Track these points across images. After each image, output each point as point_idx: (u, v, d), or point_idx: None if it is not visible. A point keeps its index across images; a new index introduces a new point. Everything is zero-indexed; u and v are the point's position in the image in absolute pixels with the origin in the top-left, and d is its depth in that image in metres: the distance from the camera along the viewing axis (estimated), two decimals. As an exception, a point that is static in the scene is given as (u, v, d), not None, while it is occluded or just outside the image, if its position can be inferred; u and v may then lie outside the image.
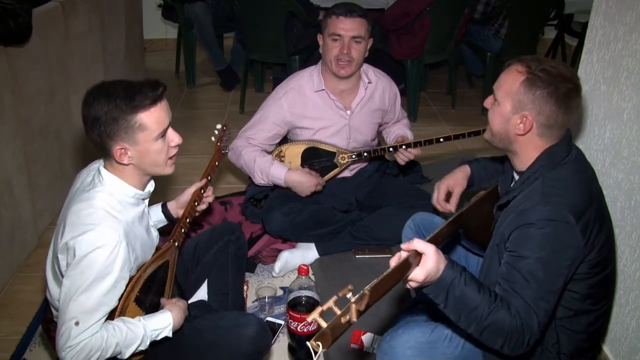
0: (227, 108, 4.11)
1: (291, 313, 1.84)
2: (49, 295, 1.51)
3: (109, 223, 1.34)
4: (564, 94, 1.30)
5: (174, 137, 1.44)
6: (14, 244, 2.29)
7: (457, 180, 1.85)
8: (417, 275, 1.14)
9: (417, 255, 1.15)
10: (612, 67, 1.81)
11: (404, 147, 2.29)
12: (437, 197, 1.85)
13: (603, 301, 1.43)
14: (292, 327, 1.85)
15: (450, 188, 1.84)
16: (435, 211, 1.93)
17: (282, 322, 2.03)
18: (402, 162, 2.35)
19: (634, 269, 1.72)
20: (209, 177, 1.78)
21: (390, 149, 2.32)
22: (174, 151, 1.46)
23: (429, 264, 1.15)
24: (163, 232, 1.74)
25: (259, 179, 2.31)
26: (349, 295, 1.00)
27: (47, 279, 1.49)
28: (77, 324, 1.29)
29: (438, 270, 1.17)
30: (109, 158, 1.40)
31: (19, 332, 2.01)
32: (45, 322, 1.58)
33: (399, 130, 2.50)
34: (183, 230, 1.64)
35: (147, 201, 1.56)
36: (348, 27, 2.15)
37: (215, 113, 3.99)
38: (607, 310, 1.46)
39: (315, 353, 0.94)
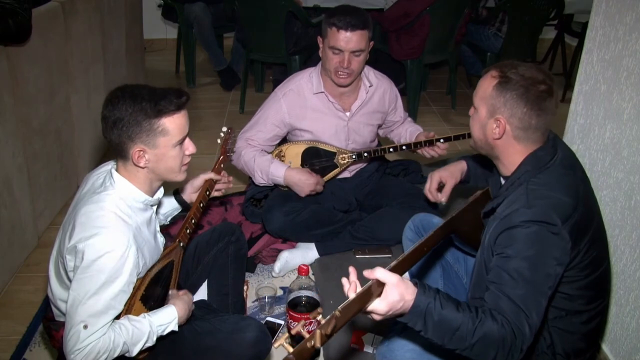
0: (227, 108, 4.11)
1: (291, 313, 1.84)
2: (50, 294, 1.52)
3: (118, 227, 1.35)
4: (535, 95, 1.31)
5: (189, 146, 1.47)
6: (14, 244, 2.29)
7: (451, 173, 1.85)
8: (379, 307, 1.10)
9: (380, 284, 1.10)
10: (612, 67, 1.81)
11: (404, 147, 2.29)
12: (430, 187, 1.86)
13: (597, 301, 1.42)
14: (292, 327, 1.85)
15: (443, 179, 1.85)
16: (427, 201, 1.93)
17: (282, 322, 2.03)
18: (429, 156, 2.33)
19: (634, 269, 1.72)
20: (214, 180, 1.79)
21: (391, 150, 2.32)
22: (187, 159, 1.49)
23: (392, 295, 1.10)
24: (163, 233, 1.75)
25: (259, 179, 2.31)
26: (319, 317, 1.01)
27: (50, 277, 1.49)
28: (85, 327, 1.30)
29: (403, 300, 1.12)
30: (125, 160, 1.41)
31: (19, 332, 2.01)
32: (46, 321, 1.58)
33: (412, 127, 2.50)
34: (188, 231, 1.65)
35: (155, 207, 1.56)
36: (348, 42, 2.11)
37: (215, 113, 3.99)
38: (602, 310, 1.45)
39: None
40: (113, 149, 1.42)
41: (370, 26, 2.16)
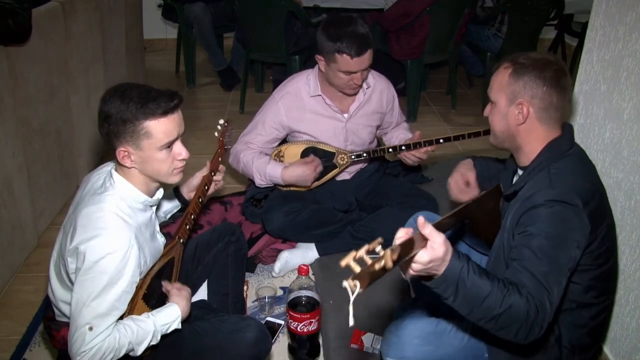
0: (227, 108, 4.12)
1: (291, 313, 1.84)
2: (51, 295, 1.52)
3: (119, 227, 1.35)
4: (551, 74, 1.35)
5: (181, 151, 1.44)
6: (14, 244, 2.29)
7: (467, 168, 1.84)
8: (423, 257, 1.08)
9: (424, 239, 1.09)
10: (612, 67, 1.81)
11: (403, 147, 2.29)
12: (459, 188, 1.80)
13: (605, 295, 1.44)
14: (292, 327, 1.85)
15: (464, 177, 1.83)
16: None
17: (282, 322, 2.03)
18: (411, 163, 2.34)
19: (634, 269, 1.72)
20: (212, 174, 1.78)
21: (390, 150, 2.32)
22: (179, 164, 1.45)
23: (438, 251, 1.09)
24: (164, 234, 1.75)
25: (259, 180, 2.31)
26: (379, 248, 0.98)
27: (51, 279, 1.49)
28: (90, 329, 1.30)
29: (444, 260, 1.11)
30: (115, 158, 1.42)
31: (19, 332, 2.01)
32: (46, 321, 1.58)
33: (402, 134, 2.50)
34: (188, 227, 1.65)
35: (154, 208, 1.56)
36: (361, 64, 2.10)
37: (215, 113, 3.99)
38: (608, 305, 1.47)
39: (353, 292, 0.91)
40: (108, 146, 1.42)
41: (374, 44, 2.14)
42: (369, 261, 0.95)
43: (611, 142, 1.81)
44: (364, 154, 2.35)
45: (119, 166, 1.44)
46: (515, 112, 1.39)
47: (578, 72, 2.01)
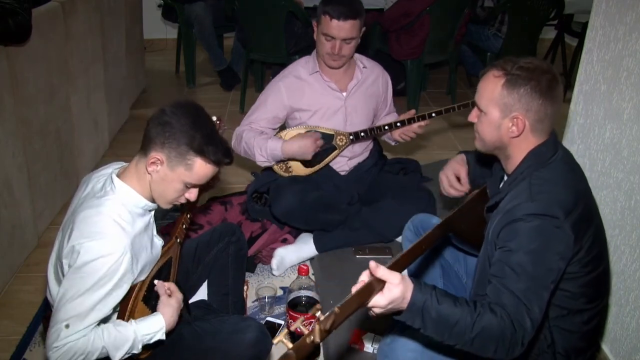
0: (227, 108, 4.12)
1: (291, 313, 1.84)
2: (49, 296, 1.51)
3: (116, 233, 1.35)
4: (546, 85, 1.32)
5: (193, 193, 1.47)
6: (14, 244, 2.29)
7: (459, 163, 1.83)
8: (380, 301, 1.11)
9: (381, 282, 1.11)
10: (612, 67, 1.81)
11: (398, 124, 2.32)
12: (450, 183, 1.80)
13: (597, 300, 1.42)
14: (291, 326, 1.86)
15: (456, 172, 1.82)
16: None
17: (282, 322, 2.03)
18: (407, 139, 2.37)
19: (634, 269, 1.72)
20: None
21: (386, 127, 2.35)
22: (182, 200, 1.48)
23: (394, 292, 1.11)
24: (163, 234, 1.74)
25: (259, 156, 2.33)
26: (318, 314, 1.00)
27: (49, 281, 1.49)
28: (67, 326, 1.30)
29: (404, 298, 1.13)
30: (142, 156, 1.41)
31: (19, 332, 2.01)
32: (46, 321, 1.58)
33: (389, 117, 2.54)
34: (184, 226, 1.65)
35: (153, 212, 1.56)
36: (340, 30, 2.19)
37: (215, 113, 3.92)
38: (602, 309, 1.45)
39: None
40: (143, 140, 1.42)
41: (362, 14, 2.24)
42: (305, 331, 0.97)
43: (611, 142, 1.81)
44: (362, 134, 2.38)
45: (133, 163, 1.44)
46: (509, 125, 1.35)
47: (578, 72, 2.01)
